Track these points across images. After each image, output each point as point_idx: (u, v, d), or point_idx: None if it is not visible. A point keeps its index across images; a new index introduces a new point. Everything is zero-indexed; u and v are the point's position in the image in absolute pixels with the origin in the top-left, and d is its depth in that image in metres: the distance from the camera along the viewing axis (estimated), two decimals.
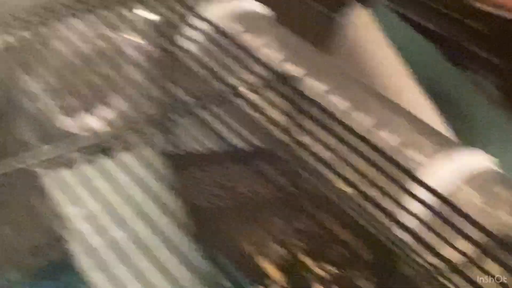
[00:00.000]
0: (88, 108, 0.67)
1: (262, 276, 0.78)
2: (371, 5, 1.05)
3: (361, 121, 0.73)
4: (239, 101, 0.67)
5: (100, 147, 0.58)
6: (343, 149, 0.57)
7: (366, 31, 1.01)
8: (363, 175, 0.55)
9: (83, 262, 0.56)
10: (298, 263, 0.74)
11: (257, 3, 0.92)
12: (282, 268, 0.78)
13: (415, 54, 1.00)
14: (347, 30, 1.02)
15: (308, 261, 0.76)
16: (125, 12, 0.73)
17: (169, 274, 0.55)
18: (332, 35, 1.03)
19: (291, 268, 0.75)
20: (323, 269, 0.74)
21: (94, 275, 0.55)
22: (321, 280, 0.71)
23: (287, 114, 0.62)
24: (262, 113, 0.65)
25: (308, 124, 0.59)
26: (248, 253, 0.77)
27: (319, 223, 0.71)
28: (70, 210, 0.59)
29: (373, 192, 0.55)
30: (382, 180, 0.54)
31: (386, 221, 0.56)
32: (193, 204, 0.78)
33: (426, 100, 0.91)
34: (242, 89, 0.69)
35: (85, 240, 0.57)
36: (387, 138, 0.71)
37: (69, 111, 0.67)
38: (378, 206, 0.54)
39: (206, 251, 0.72)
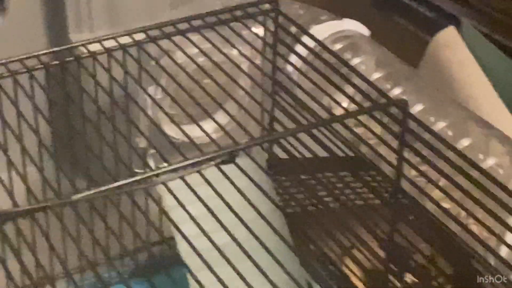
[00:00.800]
0: (206, 116, 0.70)
1: (346, 281, 0.81)
2: (460, 26, 1.08)
3: (459, 142, 0.77)
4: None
5: (224, 155, 0.61)
6: (450, 171, 0.60)
7: (454, 52, 1.03)
8: (469, 194, 0.59)
9: (190, 263, 0.58)
10: (381, 271, 0.77)
11: (357, 23, 0.96)
12: (364, 274, 0.81)
13: (502, 75, 1.02)
14: (436, 50, 1.05)
15: (391, 270, 0.79)
16: (241, 29, 0.78)
17: (268, 277, 0.57)
18: (422, 55, 1.06)
19: (374, 275, 0.78)
20: (404, 278, 0.77)
21: (199, 274, 0.56)
22: None
23: (393, 134, 0.66)
24: (369, 129, 0.69)
25: (417, 146, 0.63)
26: (334, 258, 0.80)
27: (410, 232, 0.74)
28: (181, 213, 0.60)
29: (477, 212, 0.59)
30: (488, 203, 0.58)
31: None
32: (289, 207, 0.82)
33: None
34: (346, 105, 0.74)
35: (193, 242, 0.58)
36: (483, 160, 0.75)
37: (188, 119, 0.70)
38: (481, 223, 0.58)
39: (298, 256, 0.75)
